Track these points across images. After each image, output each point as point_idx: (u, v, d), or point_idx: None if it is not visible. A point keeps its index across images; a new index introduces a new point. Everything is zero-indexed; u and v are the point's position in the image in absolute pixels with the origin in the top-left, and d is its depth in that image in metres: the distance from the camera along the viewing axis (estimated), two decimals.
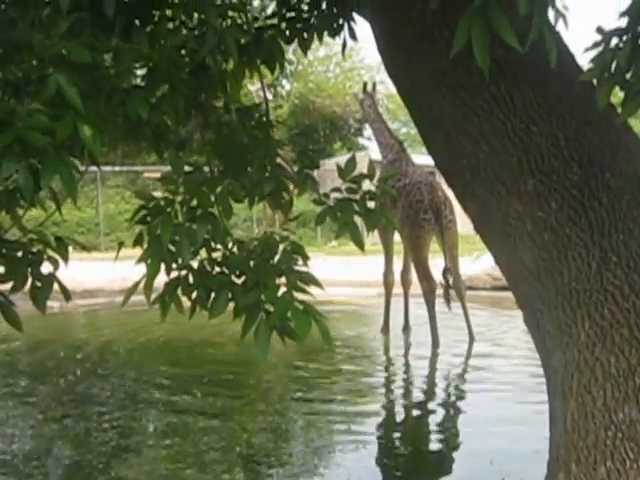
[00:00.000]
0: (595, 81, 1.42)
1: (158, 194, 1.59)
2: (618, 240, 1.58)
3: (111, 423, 3.55)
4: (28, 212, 1.53)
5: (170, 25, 1.83)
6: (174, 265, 1.50)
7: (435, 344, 5.34)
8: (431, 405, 3.99)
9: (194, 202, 1.50)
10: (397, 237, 6.06)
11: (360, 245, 1.64)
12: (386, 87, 15.25)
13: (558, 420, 1.60)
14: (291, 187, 1.76)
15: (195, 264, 1.55)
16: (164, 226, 1.41)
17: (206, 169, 1.72)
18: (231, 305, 1.51)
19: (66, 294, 1.61)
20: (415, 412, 3.89)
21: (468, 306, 5.65)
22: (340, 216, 1.61)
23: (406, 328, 6.07)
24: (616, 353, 1.52)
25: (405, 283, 6.08)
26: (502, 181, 1.68)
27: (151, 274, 1.44)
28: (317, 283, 1.48)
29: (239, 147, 1.75)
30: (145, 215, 1.51)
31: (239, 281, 1.49)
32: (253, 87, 10.14)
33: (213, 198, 1.56)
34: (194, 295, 1.53)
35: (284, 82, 18.76)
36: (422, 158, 8.77)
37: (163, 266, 1.49)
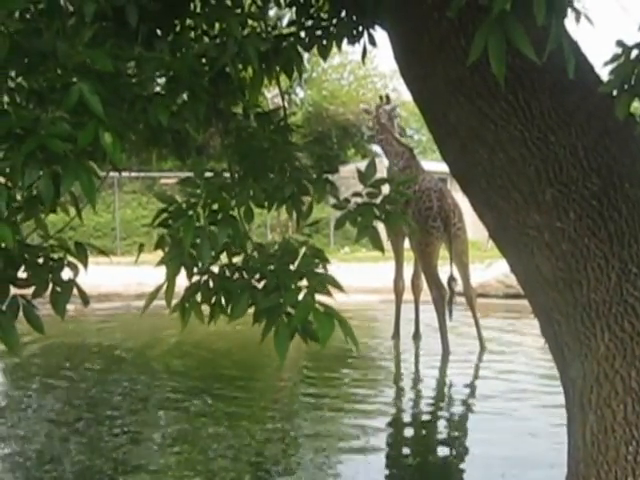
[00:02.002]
0: (615, 92, 1.41)
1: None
2: (638, 251, 1.56)
3: (122, 428, 3.56)
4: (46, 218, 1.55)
5: (191, 34, 1.86)
6: (195, 270, 1.50)
7: (445, 353, 5.30)
8: (441, 417, 3.95)
9: (215, 206, 1.51)
10: (407, 243, 6.04)
11: (380, 248, 1.64)
12: (398, 95, 15.27)
13: (577, 433, 1.58)
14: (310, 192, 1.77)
15: (215, 269, 1.55)
16: (186, 229, 1.41)
17: (226, 174, 1.73)
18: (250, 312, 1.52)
19: (84, 299, 1.63)
20: (425, 423, 3.85)
21: (479, 314, 5.61)
22: (360, 220, 1.62)
23: (416, 335, 6.04)
24: (637, 366, 1.50)
25: (415, 289, 6.05)
26: (519, 190, 1.67)
27: (171, 276, 1.45)
28: (338, 285, 1.48)
29: (259, 151, 1.76)
30: (166, 218, 1.51)
31: (259, 285, 1.50)
32: (269, 94, 10.23)
33: (233, 202, 1.57)
34: (213, 300, 1.54)
35: (298, 90, 18.85)
36: (432, 165, 8.76)
37: (184, 272, 1.49)
